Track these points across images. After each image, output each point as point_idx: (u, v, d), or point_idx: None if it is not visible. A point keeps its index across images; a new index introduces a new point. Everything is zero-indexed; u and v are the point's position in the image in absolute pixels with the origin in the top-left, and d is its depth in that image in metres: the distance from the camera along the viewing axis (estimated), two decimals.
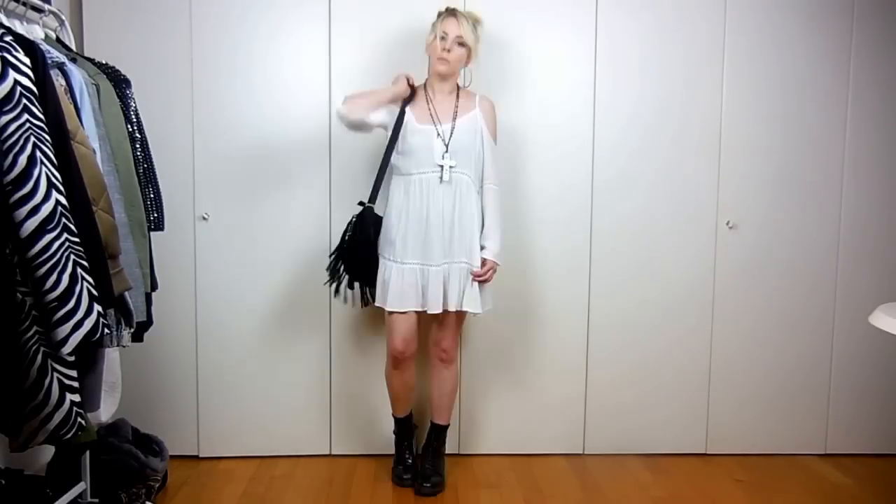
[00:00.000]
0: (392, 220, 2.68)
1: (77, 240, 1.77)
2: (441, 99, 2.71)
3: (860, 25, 3.05)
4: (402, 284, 2.65)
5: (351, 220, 2.75)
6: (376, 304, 2.74)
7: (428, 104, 2.70)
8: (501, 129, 3.00)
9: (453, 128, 2.69)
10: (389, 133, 2.70)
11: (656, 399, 3.14)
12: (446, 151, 2.65)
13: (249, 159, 2.98)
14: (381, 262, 2.71)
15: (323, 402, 3.09)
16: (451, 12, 2.66)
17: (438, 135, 2.67)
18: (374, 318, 3.00)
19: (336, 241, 2.99)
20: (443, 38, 2.62)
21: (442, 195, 2.65)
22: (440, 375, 2.84)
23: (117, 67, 2.36)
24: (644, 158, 3.06)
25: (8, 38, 1.75)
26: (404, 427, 2.92)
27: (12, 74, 1.69)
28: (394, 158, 2.71)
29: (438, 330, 2.79)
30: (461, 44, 2.62)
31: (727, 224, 3.08)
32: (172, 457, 2.85)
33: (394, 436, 2.95)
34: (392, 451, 2.95)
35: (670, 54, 3.03)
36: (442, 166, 2.65)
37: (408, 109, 2.68)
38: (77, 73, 2.09)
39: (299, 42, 2.97)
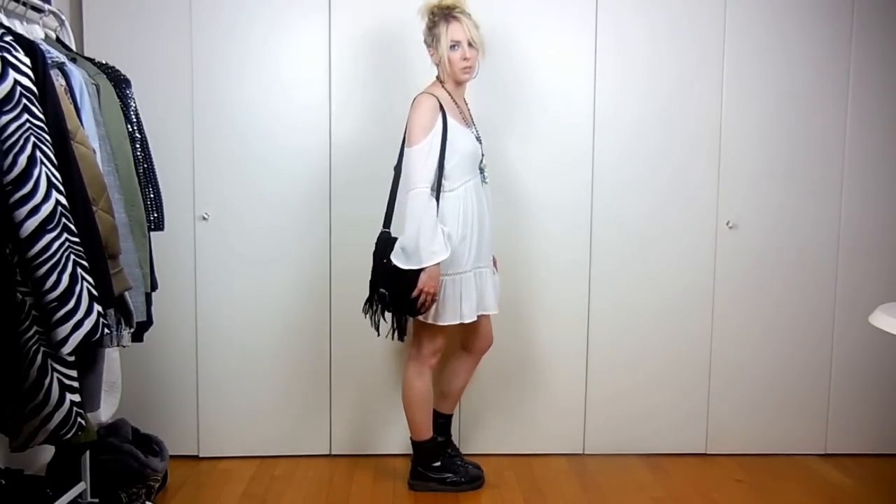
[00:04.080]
0: (459, 233, 2.55)
1: (77, 240, 1.77)
2: (461, 101, 2.67)
3: (860, 25, 3.05)
4: (474, 291, 2.61)
5: (376, 251, 2.62)
6: (449, 322, 2.58)
7: (457, 107, 2.63)
8: (502, 130, 3.01)
9: (477, 130, 2.69)
10: (437, 149, 2.51)
11: (656, 399, 3.14)
12: (483, 154, 2.66)
13: (249, 159, 2.97)
14: (452, 279, 2.55)
15: (323, 402, 3.09)
16: (447, 15, 2.54)
17: (477, 138, 2.65)
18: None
19: (335, 241, 3.01)
20: (454, 47, 2.54)
21: (485, 198, 2.64)
22: (472, 367, 2.84)
23: (117, 67, 2.37)
24: (644, 158, 3.06)
25: (8, 38, 1.75)
26: (444, 432, 2.85)
27: (12, 74, 1.69)
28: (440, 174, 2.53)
29: (486, 322, 2.77)
30: (471, 45, 2.56)
31: (727, 224, 3.08)
32: (172, 457, 2.85)
33: (432, 451, 2.76)
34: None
35: (670, 55, 3.03)
36: (482, 169, 2.65)
37: (448, 116, 2.54)
38: (77, 73, 2.09)
39: (299, 42, 2.97)
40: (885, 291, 3.09)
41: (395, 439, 3.08)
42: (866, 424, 3.18)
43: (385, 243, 2.60)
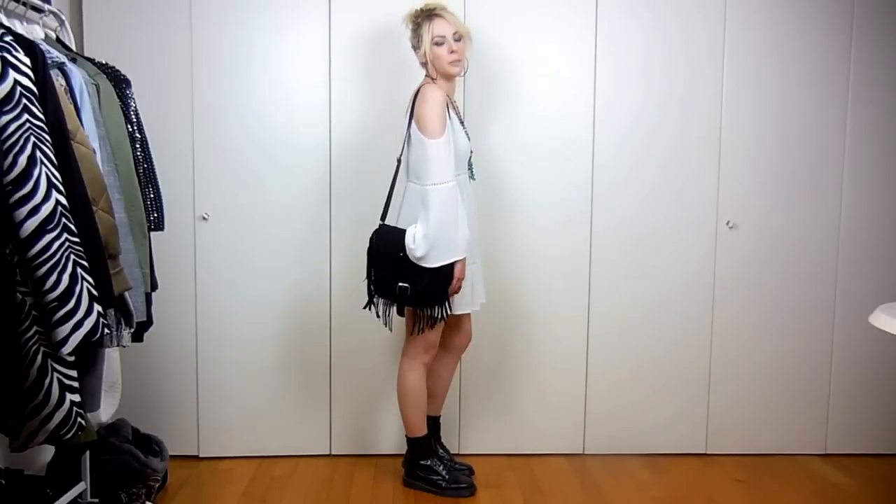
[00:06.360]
0: None
1: (77, 240, 1.77)
2: (453, 98, 2.67)
3: (860, 25, 3.05)
4: (470, 285, 2.65)
5: (372, 239, 2.62)
6: (466, 310, 2.68)
7: (452, 103, 2.64)
8: (502, 130, 3.01)
9: (465, 127, 2.69)
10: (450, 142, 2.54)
11: (656, 399, 3.14)
12: (471, 151, 2.68)
13: (250, 159, 2.97)
14: (467, 268, 2.58)
15: (323, 402, 3.09)
16: (429, 15, 2.55)
17: (467, 134, 2.66)
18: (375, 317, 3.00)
19: (335, 242, 3.01)
20: (440, 43, 2.53)
21: (473, 194, 2.67)
22: (453, 366, 2.87)
23: (117, 67, 2.37)
24: (644, 159, 3.06)
25: (8, 38, 1.75)
26: (434, 433, 2.86)
27: (12, 74, 1.69)
28: None
29: (468, 319, 2.81)
30: (458, 38, 2.56)
31: (727, 224, 3.08)
32: (172, 457, 2.84)
33: (426, 449, 2.77)
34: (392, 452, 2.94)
35: (670, 55, 3.03)
36: (470, 165, 2.67)
37: (449, 111, 2.59)
38: (77, 73, 2.09)
39: (299, 41, 2.97)
40: (885, 291, 3.09)
41: (396, 439, 3.08)
42: (866, 424, 3.18)
43: (394, 237, 2.56)
